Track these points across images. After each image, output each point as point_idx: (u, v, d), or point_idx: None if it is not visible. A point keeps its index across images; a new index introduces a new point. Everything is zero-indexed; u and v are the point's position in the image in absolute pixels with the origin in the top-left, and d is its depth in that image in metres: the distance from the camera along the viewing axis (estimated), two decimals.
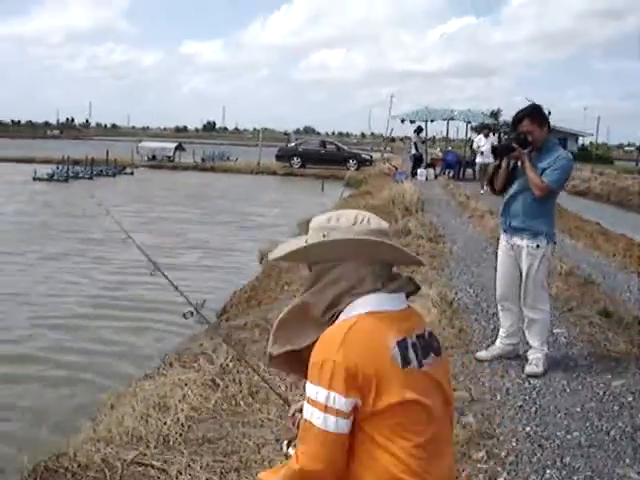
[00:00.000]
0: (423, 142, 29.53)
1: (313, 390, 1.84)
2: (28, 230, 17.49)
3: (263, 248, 12.76)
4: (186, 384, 5.43)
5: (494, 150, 5.93)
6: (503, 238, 5.77)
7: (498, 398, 5.08)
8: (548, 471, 4.01)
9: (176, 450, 4.31)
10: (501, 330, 5.94)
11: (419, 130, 28.40)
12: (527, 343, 5.73)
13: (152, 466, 4.12)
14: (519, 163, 5.53)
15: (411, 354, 1.89)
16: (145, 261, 4.21)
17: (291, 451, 2.18)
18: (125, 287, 11.76)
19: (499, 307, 5.95)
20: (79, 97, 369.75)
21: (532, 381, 5.43)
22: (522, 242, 5.50)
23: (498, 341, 5.93)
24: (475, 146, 23.49)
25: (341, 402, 1.80)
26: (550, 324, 5.99)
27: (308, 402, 1.86)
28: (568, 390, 5.26)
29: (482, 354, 5.88)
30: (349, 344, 1.82)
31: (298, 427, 2.06)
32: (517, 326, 5.82)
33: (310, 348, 1.94)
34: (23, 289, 11.34)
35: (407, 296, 2.05)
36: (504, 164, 5.61)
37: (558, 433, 4.52)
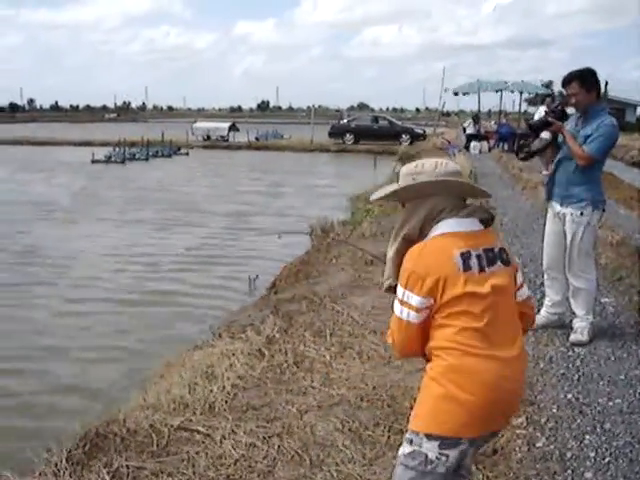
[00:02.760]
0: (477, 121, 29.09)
1: (399, 289, 2.44)
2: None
3: (313, 224, 12.87)
4: (233, 354, 5.57)
5: (530, 127, 5.91)
6: (550, 207, 5.77)
7: (541, 366, 5.09)
8: (587, 437, 4.02)
9: (221, 416, 4.43)
10: (546, 299, 5.94)
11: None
12: (573, 312, 5.72)
13: (197, 431, 4.25)
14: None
15: (473, 262, 2.40)
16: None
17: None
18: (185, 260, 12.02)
19: (545, 276, 5.96)
20: (135, 81, 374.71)
21: (576, 349, 5.41)
22: (566, 210, 5.48)
23: (543, 310, 5.91)
24: (537, 118, 20.26)
25: (411, 299, 2.39)
26: (597, 293, 5.96)
27: (396, 298, 2.45)
28: (613, 358, 5.23)
29: None
30: (422, 256, 2.39)
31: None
32: (563, 295, 5.80)
33: None
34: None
35: (485, 222, 2.52)
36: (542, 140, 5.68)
37: (600, 400, 4.51)
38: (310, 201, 19.97)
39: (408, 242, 2.51)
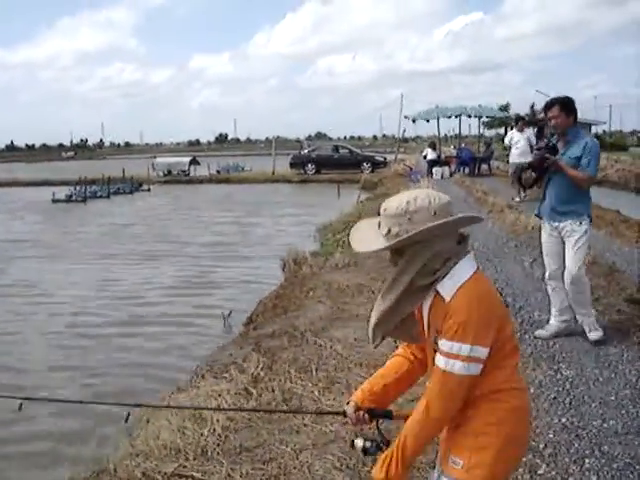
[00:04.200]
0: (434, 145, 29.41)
1: (456, 346, 2.20)
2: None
3: (284, 256, 12.83)
4: (219, 394, 5.49)
5: (531, 166, 6.31)
6: (546, 222, 6.23)
7: (532, 391, 5.08)
8: (587, 460, 4.02)
9: (215, 460, 4.35)
10: (553, 309, 6.37)
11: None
12: (577, 312, 6.16)
13: (193, 477, 4.17)
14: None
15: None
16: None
17: (368, 443, 2.50)
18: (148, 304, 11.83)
19: (549, 288, 6.37)
20: (91, 118, 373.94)
21: (564, 372, 5.43)
22: (565, 223, 5.99)
23: (553, 320, 6.37)
24: (507, 143, 18.77)
25: (482, 352, 2.21)
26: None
27: (449, 356, 2.21)
28: (601, 379, 5.26)
29: (540, 332, 6.38)
30: (482, 303, 2.21)
31: (363, 422, 2.57)
32: (567, 303, 6.23)
33: (414, 312, 2.40)
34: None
35: None
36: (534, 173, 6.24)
37: (594, 422, 4.52)
38: (278, 232, 19.92)
39: (415, 289, 2.30)
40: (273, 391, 5.45)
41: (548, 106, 5.98)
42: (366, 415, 2.56)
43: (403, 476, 2.35)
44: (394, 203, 2.29)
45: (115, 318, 10.88)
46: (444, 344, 2.21)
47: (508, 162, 19.71)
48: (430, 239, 2.24)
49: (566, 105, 5.91)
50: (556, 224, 6.08)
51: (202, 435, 4.71)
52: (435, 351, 2.29)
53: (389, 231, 2.27)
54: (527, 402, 2.47)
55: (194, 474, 4.19)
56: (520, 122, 18.18)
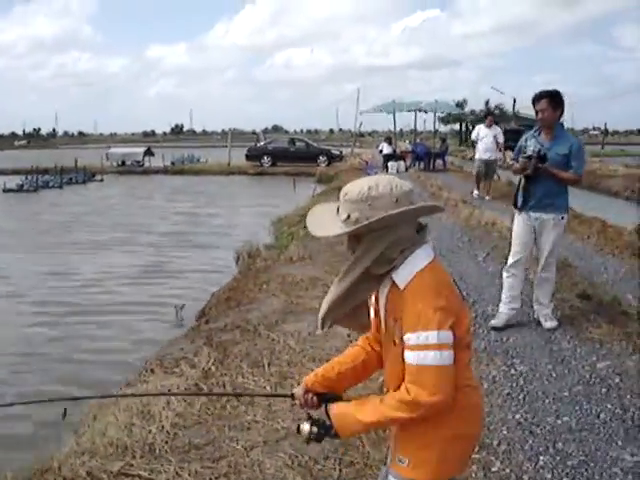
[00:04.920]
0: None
1: (422, 336, 2.10)
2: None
3: (238, 249, 12.68)
4: (169, 390, 5.35)
5: (527, 177, 6.24)
6: (523, 214, 6.32)
7: (485, 386, 5.05)
8: (541, 458, 3.99)
9: (163, 458, 4.22)
10: (504, 297, 6.51)
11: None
12: (536, 301, 6.47)
13: (139, 476, 4.03)
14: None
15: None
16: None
17: (314, 428, 2.36)
18: (101, 291, 11.60)
19: (506, 275, 6.50)
20: (45, 107, 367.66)
21: (518, 367, 5.41)
22: (548, 216, 6.17)
23: (503, 307, 6.52)
24: (474, 137, 17.93)
25: (449, 337, 2.12)
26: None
27: (417, 348, 2.11)
28: (554, 375, 5.25)
29: (494, 322, 6.50)
30: (440, 290, 2.14)
31: (311, 405, 2.48)
32: (519, 291, 6.48)
33: (366, 301, 2.35)
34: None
35: None
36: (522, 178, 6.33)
37: (548, 419, 4.50)
38: (234, 224, 19.75)
39: (371, 277, 2.23)
40: (224, 386, 5.33)
41: (536, 99, 6.04)
42: (314, 398, 2.48)
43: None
44: (355, 188, 2.22)
45: (67, 307, 10.69)
46: (409, 337, 2.12)
47: (472, 158, 19.56)
48: (390, 227, 2.18)
49: (554, 98, 5.99)
50: (537, 215, 6.19)
51: (150, 432, 4.56)
52: (395, 344, 2.21)
53: (348, 217, 2.20)
54: (479, 400, 2.40)
55: (141, 473, 4.05)
56: (488, 118, 17.83)
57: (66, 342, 8.99)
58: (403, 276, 2.17)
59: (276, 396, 2.39)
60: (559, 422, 4.44)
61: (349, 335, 6.12)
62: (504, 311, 6.49)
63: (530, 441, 4.20)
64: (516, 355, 5.70)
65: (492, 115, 18.75)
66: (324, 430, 2.34)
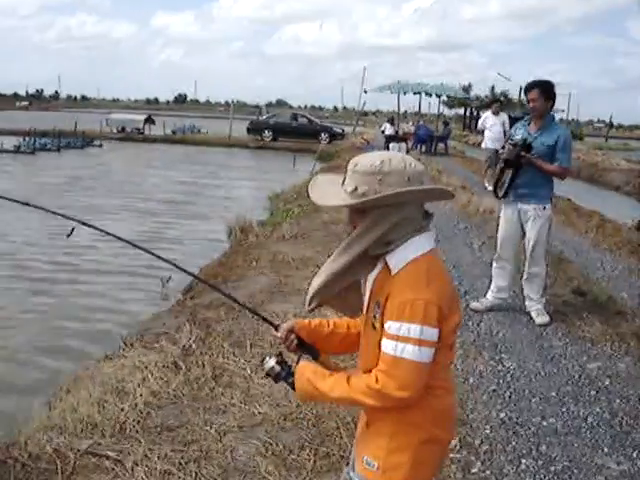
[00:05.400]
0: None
1: (405, 327, 1.98)
2: None
3: (231, 223, 12.49)
4: (146, 367, 5.19)
5: (507, 162, 6.22)
6: (508, 204, 6.32)
7: (471, 381, 4.91)
8: (524, 461, 3.85)
9: (133, 439, 4.08)
10: (493, 286, 6.54)
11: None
12: (527, 296, 6.36)
13: (107, 457, 3.89)
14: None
15: None
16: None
17: (277, 367, 2.27)
18: (90, 257, 11.46)
19: (495, 265, 6.53)
20: (49, 69, 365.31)
21: (506, 364, 5.27)
22: (529, 206, 6.12)
23: (490, 295, 6.55)
24: (481, 125, 17.23)
25: (433, 334, 1.99)
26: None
27: (397, 339, 1.99)
28: (543, 373, 5.11)
29: (475, 304, 6.55)
30: (432, 282, 2.01)
31: (288, 345, 2.35)
32: (509, 282, 6.48)
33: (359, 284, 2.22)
34: None
35: None
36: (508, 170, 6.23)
37: (533, 419, 4.36)
38: (231, 198, 19.59)
39: (368, 258, 2.10)
40: (203, 366, 5.17)
41: (528, 88, 6.07)
42: (295, 341, 2.35)
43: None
44: (367, 160, 2.08)
45: (55, 271, 10.74)
46: (391, 326, 2.00)
47: (479, 145, 19.07)
48: (397, 205, 2.05)
49: (546, 89, 6.01)
50: (520, 206, 6.18)
51: (122, 410, 4.41)
52: (375, 328, 2.08)
53: (355, 189, 2.07)
54: (453, 404, 2.28)
55: (109, 453, 3.90)
56: (495, 104, 17.19)
57: (50, 307, 8.90)
58: (397, 260, 2.06)
59: (264, 319, 2.27)
60: (544, 424, 4.30)
61: (329, 317, 5.97)
62: (489, 298, 6.54)
63: (513, 442, 4.06)
64: (505, 350, 5.55)
65: (499, 102, 18.36)
66: (285, 375, 2.27)
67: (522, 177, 6.10)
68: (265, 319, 2.53)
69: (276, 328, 2.40)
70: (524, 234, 6.27)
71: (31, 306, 8.96)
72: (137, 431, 4.17)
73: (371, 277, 2.16)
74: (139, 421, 4.30)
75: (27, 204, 2.83)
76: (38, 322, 8.30)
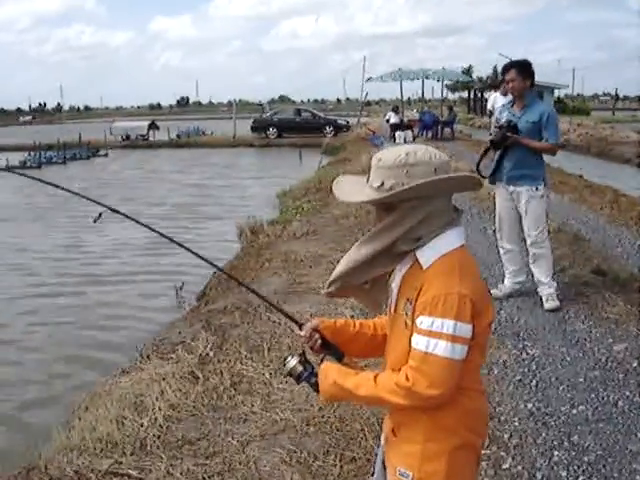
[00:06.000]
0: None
1: (437, 322, 1.90)
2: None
3: (241, 224, 12.40)
4: (164, 378, 5.11)
5: (493, 144, 6.19)
6: (501, 189, 6.25)
7: (496, 372, 4.79)
8: (556, 453, 3.73)
9: (154, 455, 3.99)
10: (507, 272, 6.45)
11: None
12: (537, 280, 6.18)
13: (129, 476, 3.82)
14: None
15: None
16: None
17: (299, 367, 2.21)
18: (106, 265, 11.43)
19: (502, 252, 6.47)
20: (50, 81, 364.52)
21: (530, 351, 5.14)
22: (522, 188, 6.03)
23: (507, 281, 6.44)
24: (490, 107, 16.50)
25: (467, 330, 1.92)
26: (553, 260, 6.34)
27: (429, 335, 1.91)
28: (568, 359, 4.97)
29: (494, 292, 6.27)
30: (465, 277, 1.94)
31: (312, 345, 2.25)
32: (521, 264, 6.38)
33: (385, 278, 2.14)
34: None
35: None
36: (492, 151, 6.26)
37: (562, 408, 4.23)
38: (239, 198, 19.58)
39: (393, 251, 2.03)
40: (221, 374, 5.08)
41: (505, 70, 6.09)
42: (319, 341, 2.26)
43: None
44: (391, 154, 2.03)
45: (73, 281, 10.87)
46: (423, 321, 1.92)
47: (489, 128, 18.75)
48: (425, 198, 1.99)
49: (523, 68, 5.99)
50: (512, 189, 6.11)
51: (142, 426, 4.33)
52: (407, 326, 1.99)
53: (382, 184, 2.01)
54: (485, 406, 2.19)
55: (130, 472, 3.83)
56: (503, 84, 16.86)
57: (65, 318, 8.97)
58: (428, 255, 1.99)
59: (286, 316, 2.21)
60: (574, 412, 4.17)
61: (352, 317, 5.88)
62: (507, 284, 6.42)
63: (543, 433, 3.94)
64: (527, 337, 5.42)
65: (503, 81, 18.01)
66: (307, 375, 2.20)
67: (512, 159, 6.04)
68: (289, 317, 2.44)
69: (300, 327, 2.32)
70: (521, 217, 6.19)
71: (45, 317, 9.04)
72: (158, 447, 4.09)
73: (399, 274, 2.09)
74: (159, 436, 4.21)
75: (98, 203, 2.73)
76: (52, 334, 8.35)
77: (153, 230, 2.75)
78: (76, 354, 7.68)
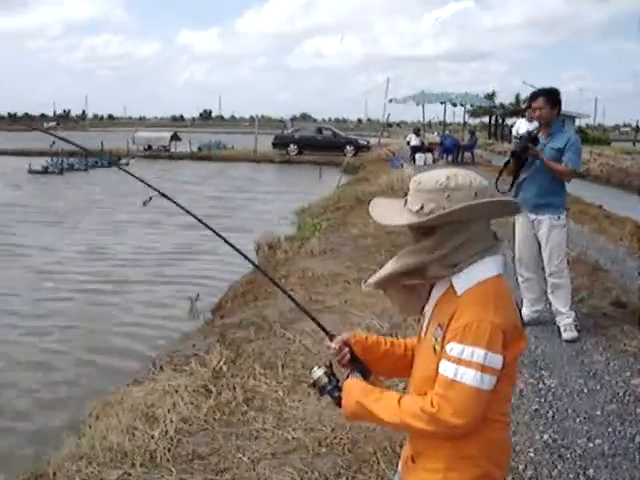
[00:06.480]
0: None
1: (468, 350, 1.86)
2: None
3: (259, 239, 12.41)
4: (176, 390, 5.08)
5: (514, 154, 6.17)
6: (522, 216, 6.14)
7: (512, 401, 4.72)
8: None
9: (164, 468, 3.96)
10: (525, 300, 6.34)
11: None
12: (555, 310, 6.13)
13: None
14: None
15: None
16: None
17: (325, 379, 2.18)
18: (118, 282, 11.44)
19: (520, 280, 6.37)
20: (76, 89, 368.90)
21: (547, 381, 5.08)
22: (544, 216, 6.00)
23: (525, 309, 6.25)
24: (515, 133, 15.10)
25: (497, 361, 1.87)
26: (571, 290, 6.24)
27: (459, 362, 1.87)
28: (586, 391, 4.91)
29: None
30: (499, 306, 1.91)
31: (341, 359, 2.21)
32: (539, 292, 6.32)
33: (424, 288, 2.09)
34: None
35: None
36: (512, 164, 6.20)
37: (579, 441, 4.16)
38: (258, 213, 19.58)
39: (428, 276, 2.01)
40: (234, 389, 5.05)
41: (533, 97, 6.06)
42: (348, 355, 2.22)
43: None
44: (431, 178, 2.01)
45: (91, 286, 11.05)
46: (453, 348, 1.89)
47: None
48: (465, 222, 1.97)
49: (551, 97, 5.96)
50: (533, 217, 6.07)
51: (152, 438, 4.30)
52: (435, 351, 1.96)
53: (422, 207, 1.99)
54: (509, 439, 2.14)
55: None
56: (529, 111, 16.67)
57: (79, 323, 9.06)
58: (464, 282, 1.96)
59: (318, 325, 2.20)
60: (590, 445, 4.11)
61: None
62: (526, 313, 6.25)
63: (559, 466, 3.87)
64: (545, 367, 5.36)
65: (530, 108, 17.85)
66: (330, 388, 2.16)
67: (535, 186, 6.00)
68: (322, 327, 2.41)
69: (331, 338, 2.29)
70: (540, 245, 6.14)
71: (60, 320, 9.15)
72: (168, 460, 4.06)
73: (433, 298, 2.06)
74: (170, 449, 4.18)
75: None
76: (66, 338, 8.42)
77: (201, 221, 2.76)
78: (89, 359, 7.72)
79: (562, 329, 6.02)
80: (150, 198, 2.65)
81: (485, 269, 1.97)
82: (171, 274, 11.80)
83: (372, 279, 2.15)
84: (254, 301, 7.97)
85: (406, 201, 2.05)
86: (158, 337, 8.21)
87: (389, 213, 2.10)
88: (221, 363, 5.60)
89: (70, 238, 15.46)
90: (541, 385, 5.01)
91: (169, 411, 4.66)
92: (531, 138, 6.01)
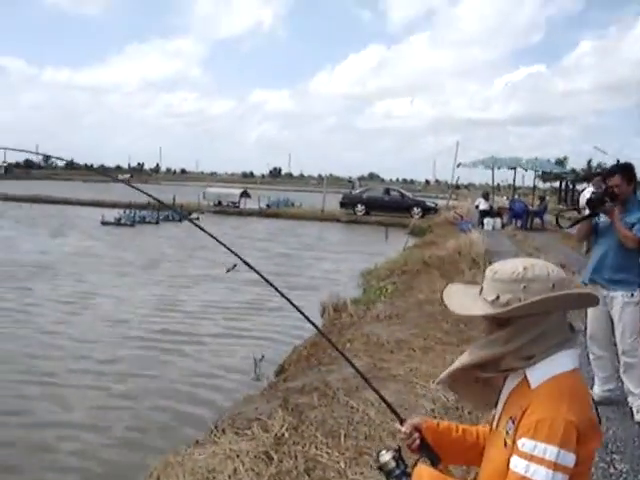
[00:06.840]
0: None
1: (540, 447, 1.82)
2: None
3: (324, 301, 12.41)
4: (238, 455, 5.06)
5: (589, 202, 6.12)
6: (597, 292, 5.88)
7: None
8: None
9: None
10: (596, 379, 6.21)
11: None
12: (627, 390, 5.96)
13: None
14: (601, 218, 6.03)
15: None
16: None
17: (392, 463, 2.18)
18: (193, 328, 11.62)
19: (592, 357, 6.21)
20: (150, 143, 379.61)
21: (618, 466, 4.89)
22: (616, 293, 5.83)
23: (596, 388, 6.17)
24: (583, 203, 15.48)
25: (570, 459, 1.82)
26: None
27: (530, 459, 1.82)
28: None
29: None
30: (573, 402, 1.87)
31: (410, 444, 2.21)
32: (611, 371, 6.16)
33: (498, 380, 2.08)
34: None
35: None
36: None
37: None
38: (325, 272, 19.69)
39: (501, 367, 2.00)
40: (296, 457, 5.00)
41: (609, 174, 5.99)
42: (418, 441, 2.21)
43: None
44: (508, 267, 2.01)
45: (157, 337, 11.32)
46: (525, 444, 1.84)
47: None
48: (541, 315, 1.95)
49: (627, 173, 5.90)
50: (606, 293, 5.88)
51: None
52: (506, 445, 1.93)
53: (497, 297, 1.98)
54: None
55: None
56: (597, 178, 15.89)
57: (141, 381, 9.06)
58: (538, 376, 1.94)
59: (389, 407, 2.22)
60: None
61: (433, 410, 5.76)
62: (597, 391, 6.14)
63: None
64: (616, 450, 5.17)
65: (600, 175, 17.61)
66: (399, 473, 2.16)
67: (614, 262, 5.89)
68: (393, 409, 2.40)
69: (402, 422, 2.29)
70: (613, 322, 5.97)
71: (126, 371, 9.30)
72: None
73: (506, 390, 2.04)
74: None
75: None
76: (128, 397, 8.45)
77: (273, 285, 2.94)
78: (151, 417, 7.75)
79: (635, 410, 5.83)
80: (234, 266, 2.75)
81: (561, 363, 1.94)
82: (238, 330, 11.93)
83: (443, 374, 2.15)
84: (318, 365, 7.94)
85: (481, 289, 2.04)
86: (221, 397, 8.22)
87: (464, 303, 2.08)
88: (283, 429, 5.57)
89: (144, 289, 15.83)
90: (612, 470, 4.83)
91: (229, 477, 4.65)
92: (609, 193, 5.87)
